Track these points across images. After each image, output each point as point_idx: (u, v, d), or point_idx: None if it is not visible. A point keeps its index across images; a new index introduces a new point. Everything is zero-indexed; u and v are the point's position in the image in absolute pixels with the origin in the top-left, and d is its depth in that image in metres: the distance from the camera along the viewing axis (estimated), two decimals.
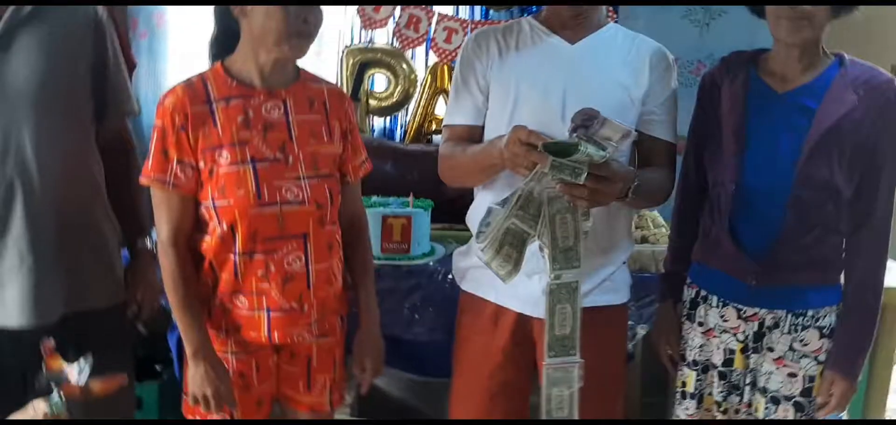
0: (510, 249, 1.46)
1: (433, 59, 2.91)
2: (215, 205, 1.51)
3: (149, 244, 1.73)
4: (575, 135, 1.42)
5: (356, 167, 1.67)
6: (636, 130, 1.59)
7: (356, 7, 2.83)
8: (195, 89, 1.51)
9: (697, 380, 1.73)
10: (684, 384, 1.75)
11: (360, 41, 3.01)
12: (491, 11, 2.96)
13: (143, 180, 1.53)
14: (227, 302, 1.55)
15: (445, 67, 2.88)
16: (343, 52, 2.91)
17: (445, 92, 2.89)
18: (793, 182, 1.54)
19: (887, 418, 2.37)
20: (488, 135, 1.62)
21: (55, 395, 1.18)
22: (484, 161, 1.57)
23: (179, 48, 3.03)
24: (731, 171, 1.59)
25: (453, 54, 2.84)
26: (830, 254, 1.61)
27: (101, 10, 1.61)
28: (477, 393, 1.68)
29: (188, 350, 1.53)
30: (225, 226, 1.50)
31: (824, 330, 1.61)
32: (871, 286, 1.60)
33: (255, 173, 1.49)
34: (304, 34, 1.48)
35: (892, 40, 2.99)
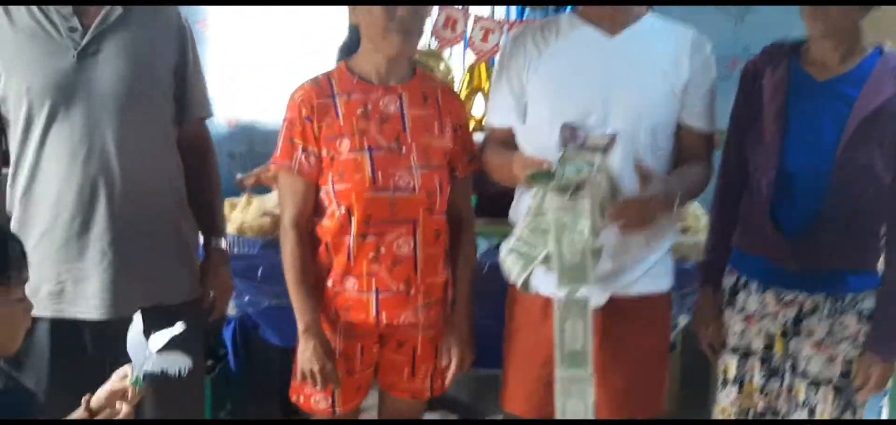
0: (517, 257, 1.56)
1: (470, 58, 2.95)
2: (335, 189, 1.63)
3: (224, 244, 1.81)
4: (563, 150, 1.51)
5: (465, 163, 1.76)
6: (677, 122, 1.64)
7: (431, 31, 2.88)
8: (321, 85, 1.66)
9: (738, 366, 1.76)
10: (725, 371, 1.78)
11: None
12: (527, 10, 3.01)
13: (271, 167, 1.69)
14: (338, 284, 1.67)
15: (483, 66, 2.93)
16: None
17: (482, 90, 2.94)
18: (833, 167, 1.57)
19: None
20: (532, 131, 1.67)
21: (137, 372, 1.27)
22: (507, 174, 1.65)
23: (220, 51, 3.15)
24: (773, 157, 1.63)
25: (491, 53, 2.88)
26: (870, 239, 1.64)
27: (183, 15, 1.71)
28: (530, 382, 1.71)
29: (300, 326, 1.65)
30: (343, 209, 1.62)
31: (863, 314, 1.64)
32: None
33: (372, 160, 1.62)
34: (405, 31, 1.59)
35: None
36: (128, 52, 1.57)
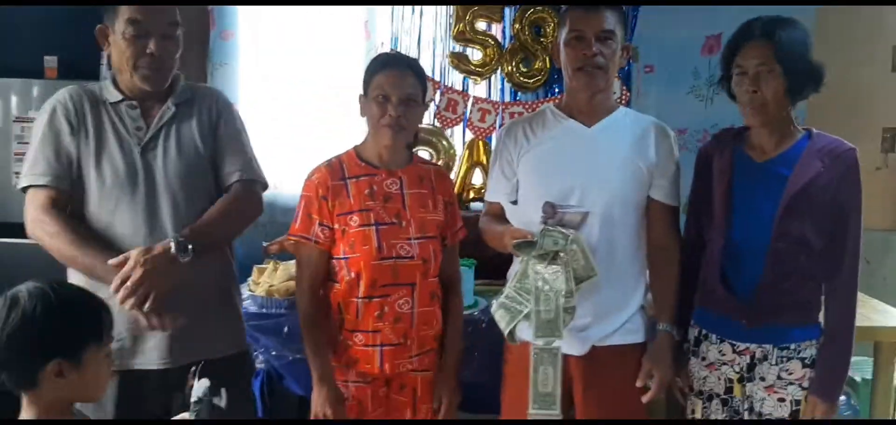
0: (504, 313, 1.84)
1: (469, 135, 3.28)
2: (346, 258, 1.90)
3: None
4: (543, 224, 1.80)
5: (454, 233, 2.05)
6: (648, 196, 1.95)
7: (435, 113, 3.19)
8: (334, 168, 1.95)
9: (704, 408, 1.98)
10: (693, 412, 2.01)
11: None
12: (519, 94, 3.33)
13: (290, 237, 1.94)
14: (348, 339, 1.93)
15: (480, 143, 3.25)
16: None
17: (481, 164, 3.25)
18: (771, 237, 1.82)
19: None
20: (523, 207, 1.97)
21: (193, 413, 1.53)
22: (499, 242, 1.94)
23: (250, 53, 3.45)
24: (721, 229, 1.88)
25: (487, 131, 3.21)
26: (808, 297, 1.87)
27: (222, 95, 1.98)
28: (521, 419, 1.93)
29: (314, 376, 1.92)
30: (352, 274, 1.90)
31: (806, 361, 1.86)
32: (844, 324, 1.84)
33: (378, 233, 1.90)
34: (396, 127, 1.89)
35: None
36: (178, 143, 1.85)
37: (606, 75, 1.93)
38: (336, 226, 1.92)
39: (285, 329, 2.47)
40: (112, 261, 1.68)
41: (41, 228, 1.76)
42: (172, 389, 1.82)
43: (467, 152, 3.28)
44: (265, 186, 1.99)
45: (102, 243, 1.76)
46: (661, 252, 1.98)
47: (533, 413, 1.83)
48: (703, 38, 3.41)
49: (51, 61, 2.83)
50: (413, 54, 3.30)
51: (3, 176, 2.79)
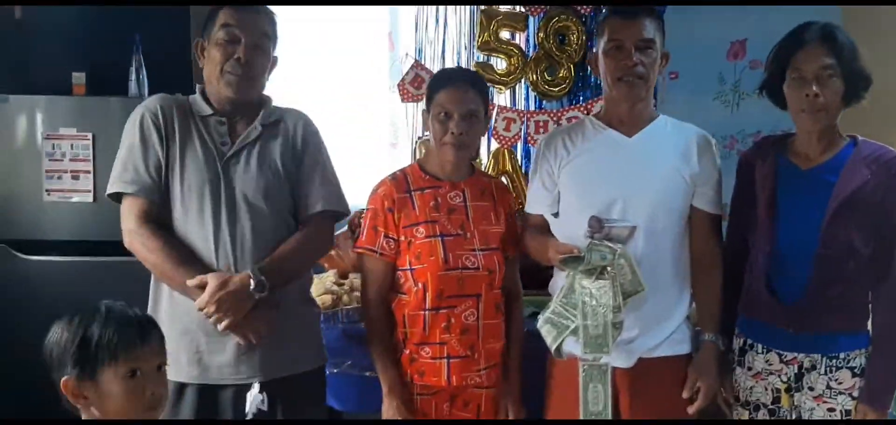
0: (551, 328, 1.83)
1: (495, 145, 3.26)
2: (412, 269, 1.92)
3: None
4: (589, 239, 1.79)
5: (513, 245, 2.05)
6: (690, 205, 1.93)
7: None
8: (398, 181, 1.98)
9: (750, 418, 1.96)
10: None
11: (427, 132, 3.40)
12: (544, 102, 3.33)
13: (357, 249, 1.96)
14: (415, 352, 1.94)
15: (506, 152, 3.24)
16: (416, 142, 3.28)
17: (506, 172, 3.22)
18: (817, 245, 1.81)
19: None
20: (564, 219, 1.96)
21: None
22: (543, 256, 1.94)
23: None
24: (767, 237, 1.87)
25: (512, 140, 3.21)
26: (856, 305, 1.85)
27: (307, 122, 1.97)
28: None
29: (384, 388, 1.93)
30: (419, 285, 1.91)
31: (855, 371, 1.84)
32: (893, 330, 1.83)
33: (444, 245, 1.91)
34: (458, 145, 1.91)
35: None
36: (260, 162, 1.87)
37: (646, 84, 1.92)
38: (402, 237, 1.94)
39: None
40: (190, 283, 1.73)
41: (140, 242, 1.80)
42: (243, 402, 1.82)
43: (493, 161, 3.26)
44: (347, 215, 2.04)
45: (199, 264, 1.79)
46: (704, 261, 1.97)
47: None
48: (727, 44, 3.39)
49: (79, 77, 2.83)
50: (437, 65, 3.30)
51: (34, 193, 2.79)
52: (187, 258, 1.79)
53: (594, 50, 2.03)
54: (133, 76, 2.85)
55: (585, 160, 1.96)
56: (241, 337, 1.78)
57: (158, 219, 1.82)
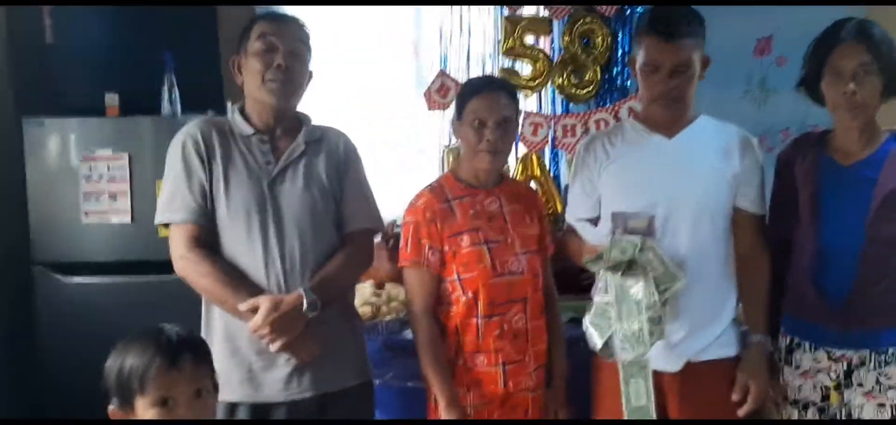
0: (594, 330, 1.84)
1: (523, 150, 3.26)
2: (460, 278, 1.93)
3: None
4: (613, 235, 1.80)
5: (547, 246, 2.08)
6: (733, 206, 1.93)
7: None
8: (437, 191, 1.99)
9: (799, 418, 1.94)
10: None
11: (457, 141, 3.41)
12: (570, 106, 3.33)
13: (401, 263, 1.96)
14: (469, 361, 1.94)
15: (534, 156, 3.25)
16: (444, 151, 3.28)
17: (534, 177, 3.24)
18: (862, 241, 1.81)
19: None
20: (605, 223, 1.95)
21: None
22: (579, 260, 1.95)
23: None
24: (811, 235, 1.87)
25: (540, 144, 3.21)
26: None
27: (348, 140, 2.02)
28: None
29: (442, 402, 1.90)
30: (469, 294, 1.91)
31: None
32: None
33: (490, 252, 1.92)
34: (493, 151, 1.92)
35: None
36: (306, 179, 1.89)
37: (683, 103, 1.92)
38: (446, 248, 1.94)
39: None
40: (242, 307, 1.75)
41: (192, 267, 1.82)
42: (300, 421, 1.85)
43: (521, 166, 3.27)
44: (382, 230, 2.07)
45: (250, 285, 1.81)
46: (750, 261, 1.96)
47: None
48: (753, 41, 3.39)
49: (112, 99, 2.86)
50: (462, 73, 3.31)
51: (72, 215, 2.82)
52: (238, 281, 1.81)
53: (631, 54, 2.03)
54: (165, 95, 2.87)
55: (626, 163, 1.96)
56: (294, 356, 1.80)
57: (207, 242, 1.84)
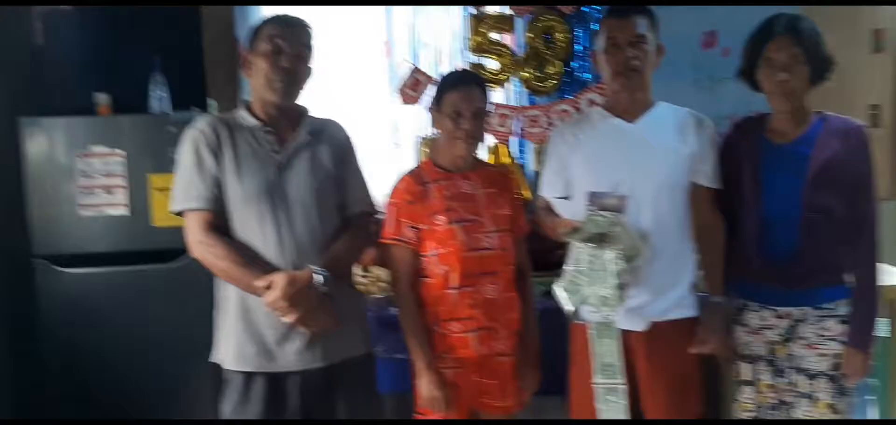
0: (567, 295, 2.02)
1: (491, 140, 3.41)
2: (436, 254, 2.12)
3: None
4: (587, 212, 1.99)
5: (520, 226, 2.26)
6: (690, 181, 2.13)
7: None
8: (416, 175, 2.18)
9: (751, 369, 2.16)
10: (740, 375, 2.18)
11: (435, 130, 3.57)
12: (534, 98, 3.53)
13: (382, 240, 2.13)
14: (444, 327, 2.13)
15: (503, 147, 3.44)
16: (419, 142, 3.43)
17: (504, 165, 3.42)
18: (800, 210, 2.04)
19: None
20: (577, 201, 2.14)
21: None
22: (553, 233, 2.15)
23: None
24: (754, 207, 2.08)
25: (507, 134, 3.40)
26: (837, 261, 2.07)
27: (345, 130, 2.15)
28: (591, 400, 2.08)
29: (420, 365, 2.10)
30: (444, 269, 2.10)
31: (840, 318, 2.07)
32: (870, 280, 2.06)
33: (463, 229, 2.11)
34: (468, 137, 2.10)
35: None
36: (313, 165, 2.04)
37: (641, 76, 2.12)
38: (424, 226, 2.13)
39: None
40: (259, 283, 1.88)
41: (208, 251, 1.94)
42: (312, 390, 2.00)
43: (492, 156, 3.43)
44: (376, 214, 2.21)
45: (262, 264, 1.94)
46: (707, 231, 2.17)
47: (598, 382, 2.04)
48: (699, 35, 3.64)
49: (103, 98, 2.94)
50: (433, 68, 3.49)
51: (69, 209, 2.90)
52: (253, 260, 1.94)
53: (595, 49, 2.23)
54: (154, 94, 2.97)
55: (593, 146, 2.16)
56: (307, 328, 1.95)
57: (221, 227, 1.97)
